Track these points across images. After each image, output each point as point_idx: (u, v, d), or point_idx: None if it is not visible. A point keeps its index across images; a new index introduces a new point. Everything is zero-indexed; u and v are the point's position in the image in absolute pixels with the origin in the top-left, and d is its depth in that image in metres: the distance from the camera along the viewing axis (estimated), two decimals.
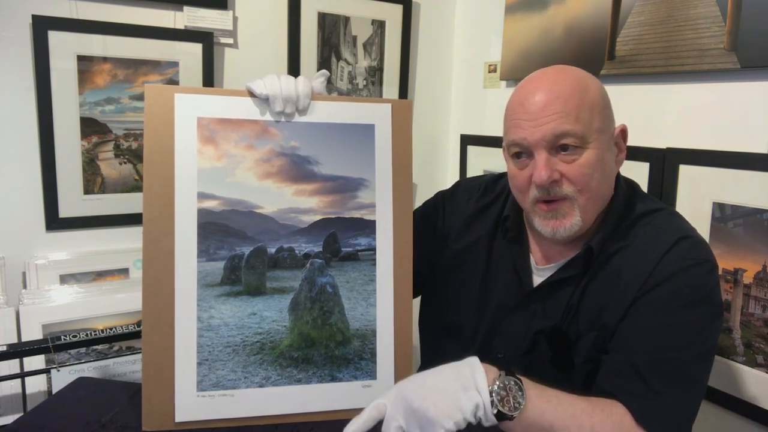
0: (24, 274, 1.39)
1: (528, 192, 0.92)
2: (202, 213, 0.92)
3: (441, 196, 1.18)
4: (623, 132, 0.96)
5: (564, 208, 0.90)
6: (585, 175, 0.88)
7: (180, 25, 1.49)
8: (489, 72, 1.84)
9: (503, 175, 1.12)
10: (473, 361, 0.78)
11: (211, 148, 0.93)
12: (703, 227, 1.21)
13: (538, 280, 0.99)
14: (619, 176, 0.98)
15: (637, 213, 0.95)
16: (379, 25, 1.80)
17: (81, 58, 1.39)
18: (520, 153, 0.91)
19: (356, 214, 0.98)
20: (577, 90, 0.89)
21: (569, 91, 0.88)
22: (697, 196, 1.23)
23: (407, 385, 0.76)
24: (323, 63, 1.73)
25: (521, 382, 0.76)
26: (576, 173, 0.88)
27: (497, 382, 0.74)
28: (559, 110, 0.87)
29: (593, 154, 0.88)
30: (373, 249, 0.97)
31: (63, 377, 1.22)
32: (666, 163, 1.29)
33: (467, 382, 0.74)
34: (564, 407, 0.78)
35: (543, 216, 0.92)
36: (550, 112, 0.87)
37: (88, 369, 1.30)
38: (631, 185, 1.01)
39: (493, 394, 0.73)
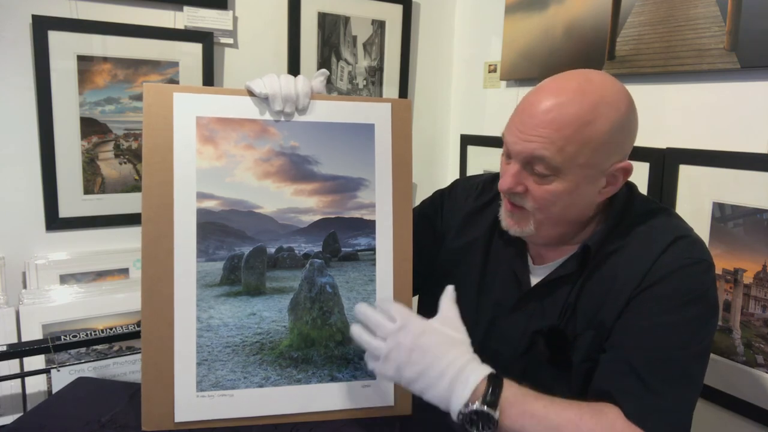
0: (24, 274, 1.39)
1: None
2: (202, 213, 0.92)
3: (439, 194, 1.18)
4: (625, 171, 0.90)
5: (520, 215, 0.93)
6: (546, 200, 0.88)
7: (180, 25, 1.49)
8: (489, 72, 1.83)
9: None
10: (473, 374, 0.79)
11: (210, 148, 0.93)
12: (703, 227, 1.21)
13: (535, 279, 0.98)
14: None
15: (635, 213, 0.95)
16: (379, 25, 1.80)
17: (81, 58, 1.39)
18: (509, 153, 0.92)
19: (356, 214, 0.98)
20: (579, 122, 0.84)
21: (569, 119, 0.84)
22: (697, 196, 1.23)
23: (404, 366, 0.79)
24: (323, 63, 1.73)
25: (494, 410, 0.76)
26: (539, 195, 0.89)
27: (472, 406, 0.76)
28: (545, 135, 0.84)
29: (563, 185, 0.87)
30: (373, 249, 0.97)
31: (63, 377, 1.22)
32: (666, 163, 1.28)
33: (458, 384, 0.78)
34: (543, 426, 0.78)
35: (503, 211, 0.97)
36: (537, 132, 0.85)
37: (88, 369, 1.30)
38: (630, 186, 1.00)
39: (462, 417, 0.77)
